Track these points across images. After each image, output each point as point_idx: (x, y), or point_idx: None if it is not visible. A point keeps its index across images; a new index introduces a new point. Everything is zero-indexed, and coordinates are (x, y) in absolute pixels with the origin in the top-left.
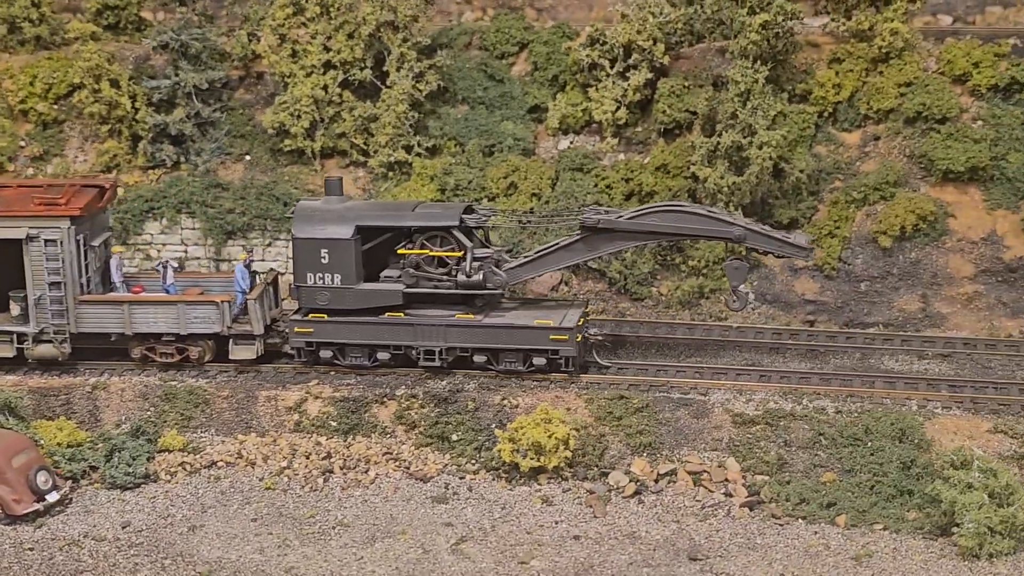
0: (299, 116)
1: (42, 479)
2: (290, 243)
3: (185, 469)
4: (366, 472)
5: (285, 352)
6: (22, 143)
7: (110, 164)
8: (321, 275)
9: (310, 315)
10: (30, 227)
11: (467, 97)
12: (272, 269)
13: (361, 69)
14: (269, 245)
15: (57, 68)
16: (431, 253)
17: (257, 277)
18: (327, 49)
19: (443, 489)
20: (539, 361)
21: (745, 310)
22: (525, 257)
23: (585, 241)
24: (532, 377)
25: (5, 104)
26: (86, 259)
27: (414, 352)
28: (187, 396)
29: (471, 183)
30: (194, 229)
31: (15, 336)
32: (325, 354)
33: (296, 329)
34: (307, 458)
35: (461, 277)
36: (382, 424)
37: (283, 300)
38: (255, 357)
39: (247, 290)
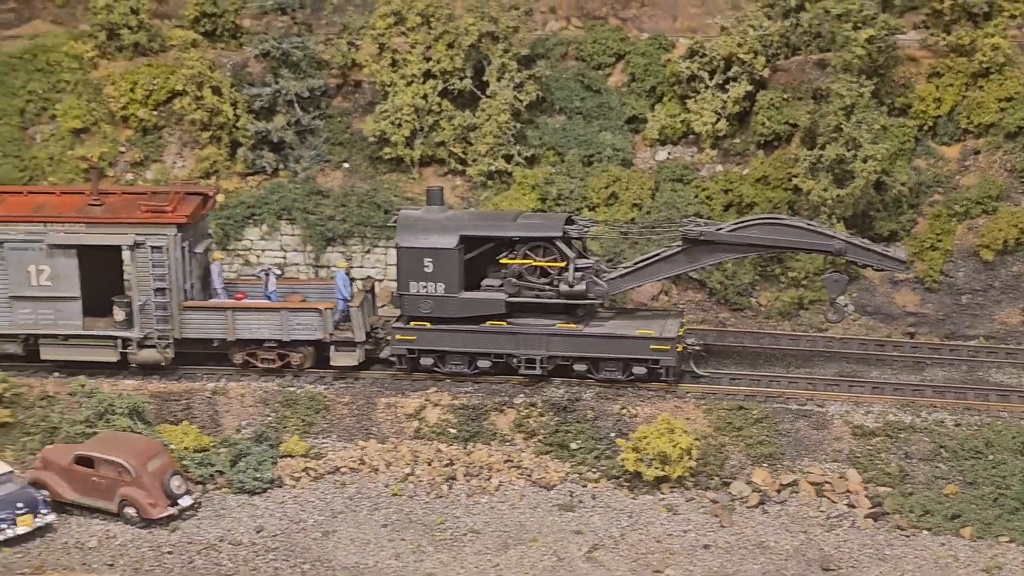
0: (400, 125)
1: (176, 483)
2: (388, 250)
3: (309, 475)
4: (489, 479)
5: (382, 359)
6: (122, 149)
7: (209, 170)
8: (424, 284)
9: (412, 323)
10: (137, 234)
11: (564, 107)
12: (370, 276)
13: (461, 79)
14: (368, 252)
15: (157, 75)
16: (534, 263)
17: (354, 284)
18: (427, 59)
19: (568, 497)
20: (639, 371)
21: (843, 322)
22: (625, 268)
23: (686, 253)
24: (649, 387)
25: (107, 110)
26: (189, 266)
27: (515, 360)
28: (307, 402)
29: (572, 193)
30: (294, 235)
31: (120, 341)
32: (426, 361)
33: (398, 336)
34: (429, 465)
35: (563, 287)
36: (501, 432)
37: (380, 307)
38: (356, 364)
39: (348, 297)
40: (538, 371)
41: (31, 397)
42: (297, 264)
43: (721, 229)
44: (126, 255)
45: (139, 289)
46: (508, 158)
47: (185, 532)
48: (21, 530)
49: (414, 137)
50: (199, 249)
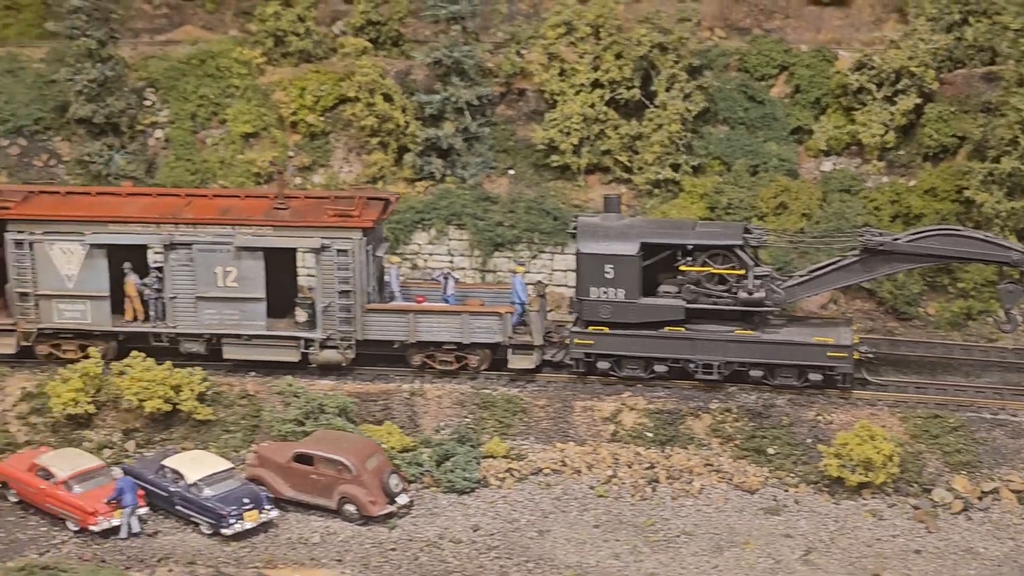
0: (568, 133)
1: (394, 482)
2: (554, 256)
3: (513, 475)
4: (690, 482)
5: (553, 362)
6: (291, 153)
7: (376, 175)
8: (605, 289)
9: (590, 327)
10: (323, 237)
11: (728, 117)
12: (540, 281)
13: (628, 88)
14: (534, 257)
15: (324, 81)
16: (713, 270)
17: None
18: (595, 68)
19: (772, 501)
20: (815, 377)
21: (1015, 332)
22: (801, 276)
23: (863, 263)
24: (841, 394)
25: (276, 115)
26: (371, 269)
27: (692, 365)
28: (505, 404)
29: (742, 202)
30: (461, 240)
31: (302, 342)
32: (603, 365)
33: (576, 341)
34: (629, 467)
35: (742, 294)
36: (698, 436)
37: (549, 311)
38: (533, 367)
39: (525, 301)
40: (715, 376)
41: (231, 396)
42: (463, 268)
43: (898, 239)
44: (301, 257)
45: (323, 291)
46: (675, 167)
47: (404, 530)
48: (248, 525)
49: (581, 145)
50: (379, 253)
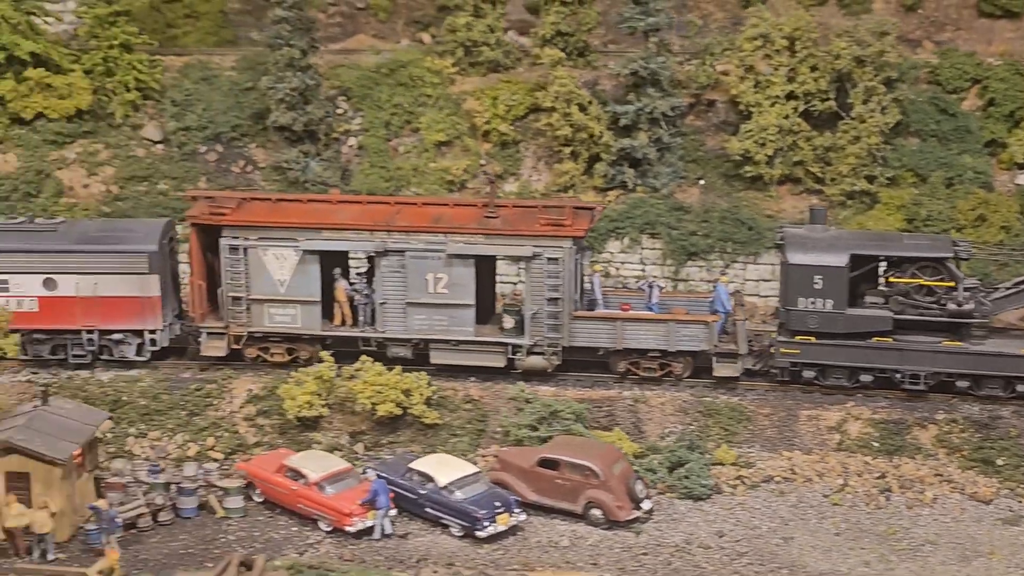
0: (763, 144)
1: (639, 487)
2: (747, 266)
3: (744, 483)
4: (922, 492)
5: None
6: (482, 162)
7: (566, 184)
8: (813, 300)
9: (796, 336)
10: (535, 245)
11: (920, 130)
12: (738, 291)
13: (823, 100)
14: (727, 267)
15: (516, 91)
16: (923, 282)
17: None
18: (790, 80)
19: (1008, 512)
20: (1023, 388)
21: None
22: (1007, 289)
23: None
24: None
25: (468, 124)
26: (578, 277)
27: (898, 375)
28: (729, 412)
29: (940, 214)
30: (654, 249)
31: (509, 347)
32: (807, 374)
33: (783, 350)
34: (860, 476)
35: (952, 306)
36: (925, 447)
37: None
38: (737, 375)
39: (730, 310)
40: (921, 387)
41: (456, 400)
42: (655, 277)
43: None
44: (501, 265)
45: (531, 298)
46: (870, 179)
47: (650, 535)
48: (500, 528)
49: (775, 156)
50: (585, 261)
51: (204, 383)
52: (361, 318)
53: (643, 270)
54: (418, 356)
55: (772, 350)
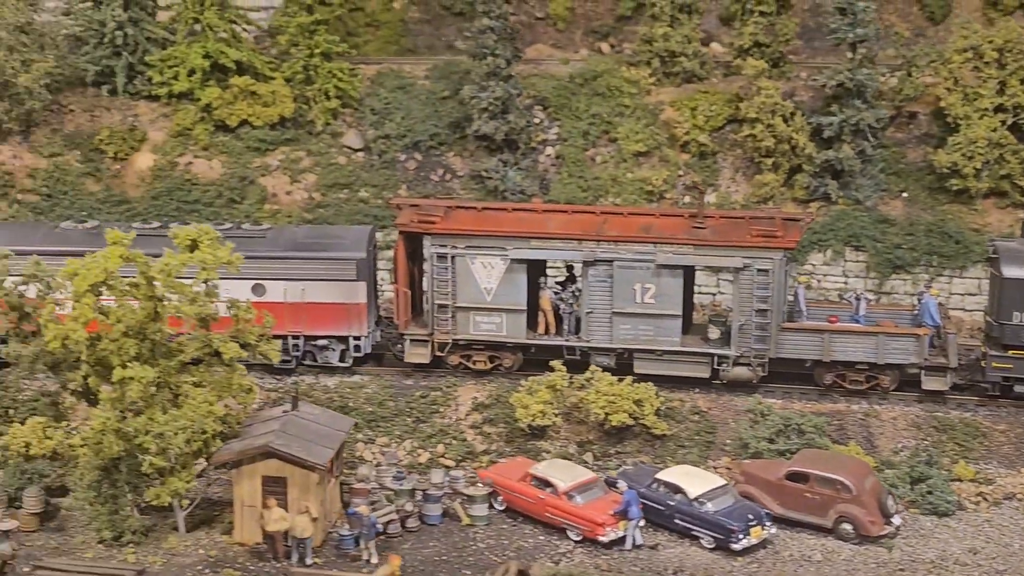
0: (971, 157)
1: (890, 502)
2: (952, 279)
3: (986, 499)
4: None
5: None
6: (680, 172)
7: (766, 196)
8: None
9: (1010, 351)
10: (745, 257)
11: None
12: (941, 304)
13: None
14: (932, 280)
15: (715, 101)
16: None
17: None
18: (1000, 92)
19: None
20: None
21: None
22: None
23: None
24: None
25: (667, 134)
26: (785, 289)
27: None
28: (964, 428)
29: None
30: (858, 262)
31: (714, 358)
32: (1020, 388)
33: (994, 364)
34: None
35: None
36: None
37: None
38: (946, 389)
39: (940, 324)
40: None
41: (683, 411)
42: (862, 290)
43: None
44: (700, 276)
45: (740, 310)
46: None
47: (903, 551)
48: (753, 541)
49: (982, 170)
50: (791, 273)
51: (429, 390)
52: (565, 327)
53: (846, 282)
54: (622, 366)
55: (983, 364)
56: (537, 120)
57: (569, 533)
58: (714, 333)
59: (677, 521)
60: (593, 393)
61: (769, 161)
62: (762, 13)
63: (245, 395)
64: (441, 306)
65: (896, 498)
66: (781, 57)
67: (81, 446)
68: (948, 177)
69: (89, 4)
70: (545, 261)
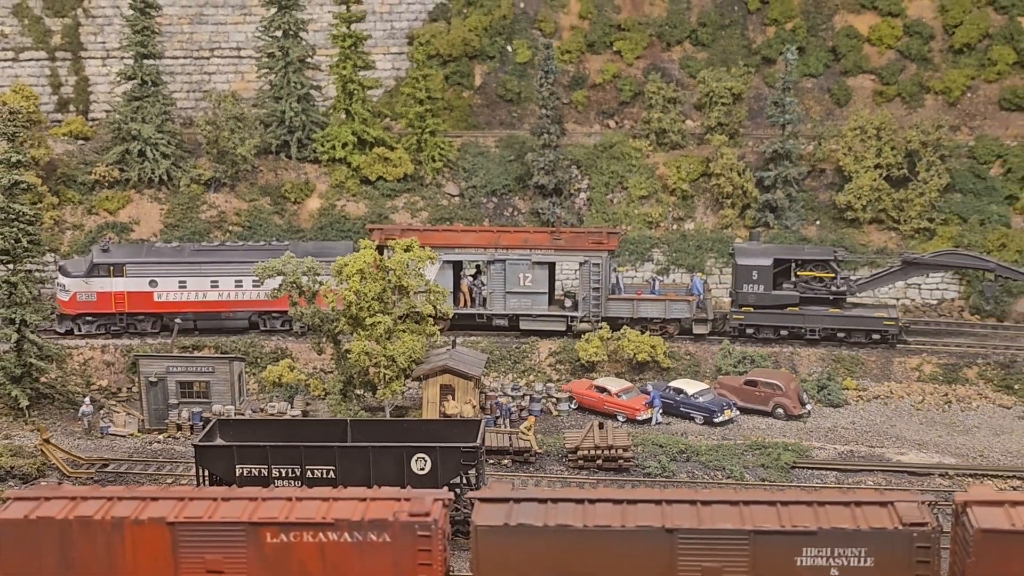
0: (860, 197)
1: (804, 397)
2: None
3: (861, 399)
4: (970, 403)
5: None
6: (668, 209)
7: (725, 225)
8: (751, 286)
9: (742, 308)
10: (584, 255)
11: (962, 188)
12: (706, 282)
13: (899, 169)
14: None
15: (692, 162)
16: (816, 274)
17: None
18: (877, 155)
19: (1022, 412)
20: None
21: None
22: (866, 278)
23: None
24: None
25: (660, 184)
26: (610, 275)
27: (802, 330)
28: (850, 359)
29: (975, 243)
30: None
31: (568, 318)
32: (749, 332)
33: (734, 316)
34: (930, 395)
35: (832, 288)
36: (971, 379)
37: (709, 300)
38: (706, 333)
39: (702, 294)
40: (816, 337)
41: (680, 353)
42: (654, 276)
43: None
44: (558, 268)
45: (582, 288)
46: (930, 220)
47: (812, 423)
48: (725, 418)
49: (867, 205)
50: (614, 267)
51: (521, 343)
52: (476, 302)
53: None
54: (512, 326)
55: (728, 317)
56: (574, 174)
57: (618, 416)
58: (568, 303)
59: (682, 408)
60: (626, 341)
61: (728, 202)
62: (723, 103)
63: (431, 339)
64: None
65: (809, 395)
66: (736, 132)
67: (307, 379)
68: (845, 211)
69: (270, 98)
70: (463, 261)
